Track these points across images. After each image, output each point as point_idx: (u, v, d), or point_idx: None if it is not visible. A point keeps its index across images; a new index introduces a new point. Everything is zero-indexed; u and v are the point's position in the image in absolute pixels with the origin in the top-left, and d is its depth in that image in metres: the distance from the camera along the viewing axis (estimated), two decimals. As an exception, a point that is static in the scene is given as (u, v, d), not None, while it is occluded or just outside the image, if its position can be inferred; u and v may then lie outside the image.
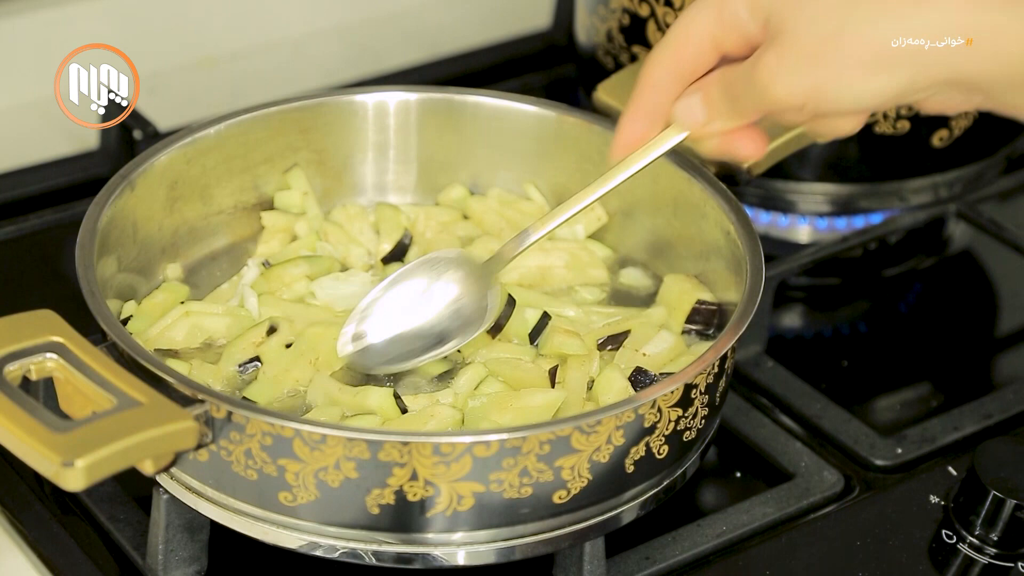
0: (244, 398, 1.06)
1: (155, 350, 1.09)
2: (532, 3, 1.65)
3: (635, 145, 1.03)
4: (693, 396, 1.01)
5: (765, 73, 0.94)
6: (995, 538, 1.08)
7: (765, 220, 1.37)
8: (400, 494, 0.95)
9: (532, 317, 1.12)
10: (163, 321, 1.11)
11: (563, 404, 1.05)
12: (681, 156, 1.16)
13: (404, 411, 1.05)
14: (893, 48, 0.92)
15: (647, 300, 1.17)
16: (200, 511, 1.01)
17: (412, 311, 1.10)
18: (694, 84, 1.00)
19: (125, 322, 1.11)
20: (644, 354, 1.09)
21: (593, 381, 1.07)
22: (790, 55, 0.93)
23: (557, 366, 1.08)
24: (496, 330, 1.11)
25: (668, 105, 1.01)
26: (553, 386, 1.07)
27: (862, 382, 1.28)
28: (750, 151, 1.02)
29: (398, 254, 1.20)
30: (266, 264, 1.17)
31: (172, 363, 1.07)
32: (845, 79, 0.93)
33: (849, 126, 1.00)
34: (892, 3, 0.92)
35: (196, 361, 1.09)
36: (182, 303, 1.13)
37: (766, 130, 1.02)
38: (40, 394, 0.99)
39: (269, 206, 1.22)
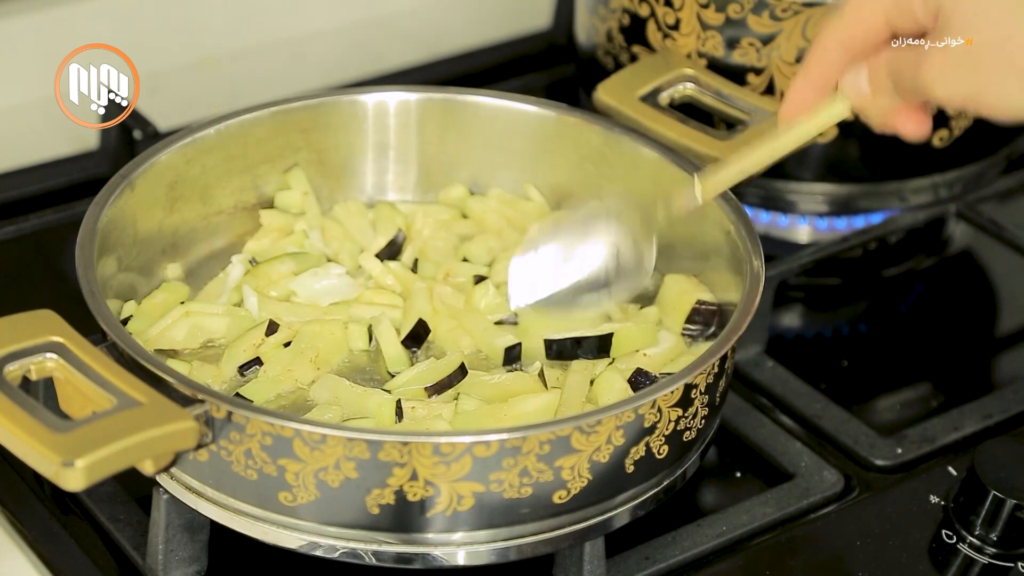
0: (238, 395, 1.06)
1: (155, 350, 1.09)
2: (532, 3, 1.65)
3: (802, 110, 1.05)
4: (693, 396, 1.01)
5: (929, 73, 0.95)
6: (995, 538, 1.08)
7: (765, 220, 1.37)
8: (400, 494, 0.95)
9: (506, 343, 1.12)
10: (163, 321, 1.11)
11: (562, 407, 1.05)
12: (681, 156, 1.16)
13: (400, 419, 1.05)
14: None
15: (648, 300, 1.17)
16: (200, 511, 1.01)
17: (570, 263, 1.13)
18: (864, 60, 1.02)
19: (125, 322, 1.11)
20: (645, 354, 1.09)
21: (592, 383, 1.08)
22: (954, 59, 0.94)
23: (542, 368, 1.08)
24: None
25: (836, 76, 1.03)
26: (546, 388, 1.07)
27: (862, 382, 1.28)
28: (912, 130, 1.03)
29: (392, 252, 1.20)
30: (253, 262, 1.17)
31: (172, 363, 1.07)
32: (1007, 88, 0.93)
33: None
34: None
35: (196, 361, 1.09)
36: (182, 303, 1.13)
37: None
38: (40, 394, 0.99)
39: (269, 206, 1.22)
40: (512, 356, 1.11)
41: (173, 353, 1.10)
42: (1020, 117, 0.96)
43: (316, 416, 1.05)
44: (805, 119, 1.05)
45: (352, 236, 1.21)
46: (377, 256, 1.20)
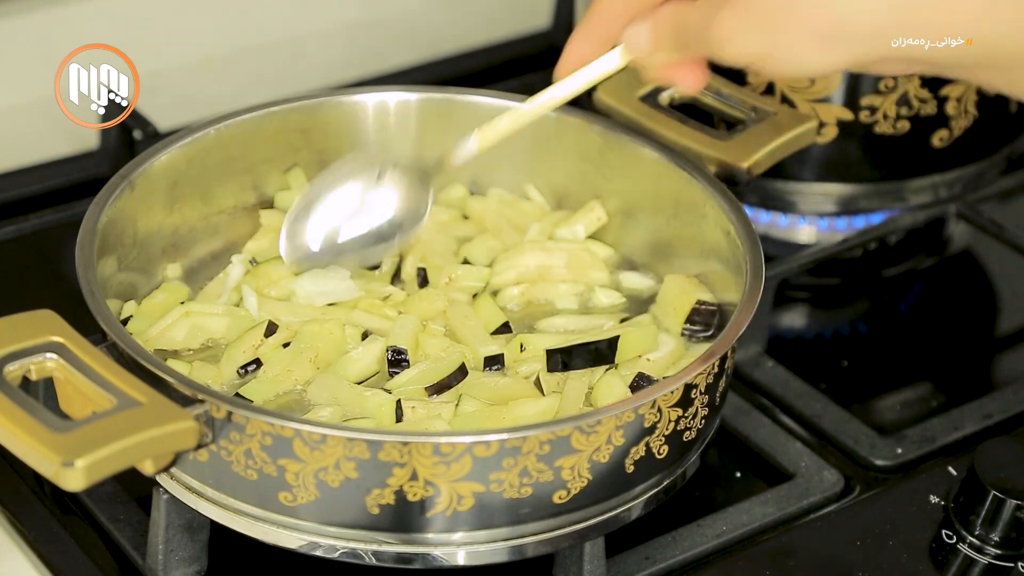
0: (238, 395, 1.06)
1: (155, 350, 1.09)
2: (532, 3, 1.65)
3: (579, 65, 1.06)
4: (693, 396, 1.01)
5: (719, 32, 0.95)
6: (995, 538, 1.08)
7: (765, 220, 1.37)
8: (400, 494, 0.95)
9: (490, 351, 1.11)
10: (163, 321, 1.11)
11: (562, 412, 1.05)
12: (681, 156, 1.16)
13: (400, 420, 1.05)
14: (848, 23, 0.92)
15: (648, 302, 1.17)
16: (200, 511, 1.01)
17: (351, 215, 1.14)
18: (646, 14, 1.02)
19: (125, 322, 1.11)
20: (648, 359, 1.09)
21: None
22: (746, 18, 0.94)
23: (538, 376, 1.08)
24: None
25: (617, 31, 1.03)
26: (543, 394, 1.07)
27: (862, 382, 1.28)
28: (689, 83, 1.04)
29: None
30: (253, 262, 1.17)
31: (172, 363, 1.07)
32: (796, 49, 0.94)
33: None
34: None
35: (197, 362, 1.09)
36: (182, 303, 1.13)
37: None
38: (40, 394, 0.99)
39: (269, 206, 1.22)
40: (493, 364, 1.10)
41: (174, 353, 1.10)
42: (809, 75, 0.99)
43: (316, 416, 1.05)
44: (580, 74, 1.06)
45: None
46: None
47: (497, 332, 1.13)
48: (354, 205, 1.14)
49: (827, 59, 0.94)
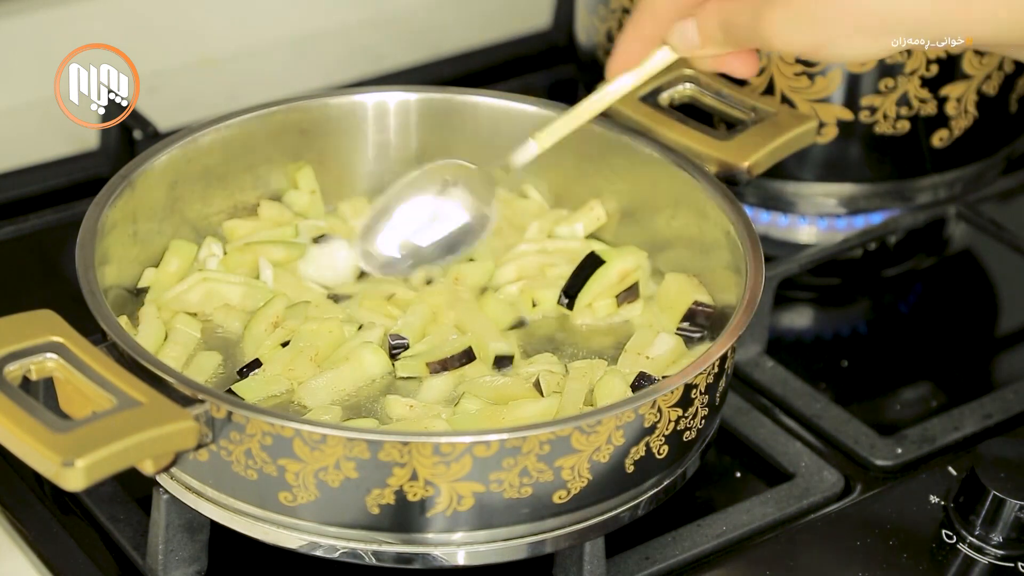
0: (229, 391, 1.06)
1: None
2: (532, 3, 1.65)
3: (630, 66, 1.08)
4: (693, 396, 1.01)
5: (768, 28, 0.97)
6: (995, 538, 1.08)
7: (765, 220, 1.37)
8: (400, 494, 0.95)
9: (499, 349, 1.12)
10: (179, 286, 1.12)
11: (562, 413, 1.05)
12: (681, 156, 1.16)
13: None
14: (893, 16, 0.95)
15: (649, 301, 1.17)
16: (200, 511, 1.01)
17: (418, 227, 1.15)
18: (691, 10, 1.04)
19: (143, 291, 1.13)
20: (648, 357, 1.09)
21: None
22: (793, 14, 0.96)
23: (538, 378, 1.08)
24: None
25: (665, 28, 1.05)
26: (543, 395, 1.07)
27: (862, 382, 1.28)
28: (743, 71, 1.06)
29: None
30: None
31: (189, 319, 1.10)
32: (844, 41, 0.96)
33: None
34: None
35: (195, 363, 1.09)
36: (200, 271, 1.14)
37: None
38: (40, 394, 0.99)
39: (269, 206, 1.23)
40: (502, 365, 1.11)
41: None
42: (855, 62, 1.01)
43: (315, 416, 1.05)
44: (633, 71, 1.08)
45: (355, 235, 1.21)
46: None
47: (512, 328, 1.14)
48: (425, 214, 1.15)
49: (877, 47, 0.97)
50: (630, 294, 1.15)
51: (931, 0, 0.94)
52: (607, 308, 1.15)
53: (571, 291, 1.15)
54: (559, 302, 1.15)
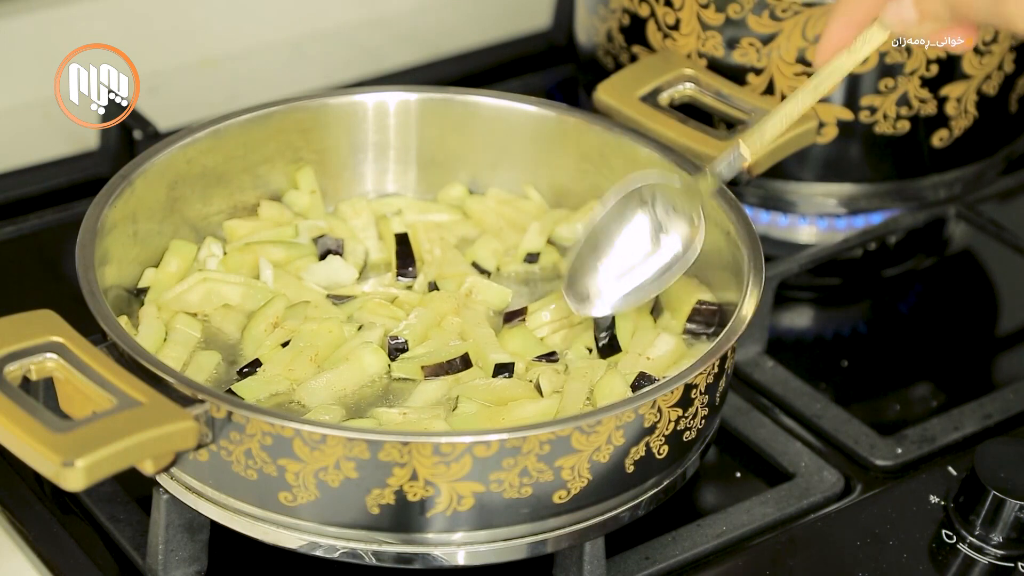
0: (229, 391, 1.06)
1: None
2: (532, 3, 1.65)
3: (840, 48, 1.05)
4: (693, 396, 1.01)
5: (1015, 9, 0.96)
6: (995, 538, 1.08)
7: (765, 220, 1.37)
8: (400, 494, 0.95)
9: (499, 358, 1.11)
10: (179, 287, 1.12)
11: (561, 414, 1.05)
12: (681, 156, 1.16)
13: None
14: None
15: (649, 301, 1.17)
16: (200, 511, 1.01)
17: (636, 251, 1.12)
18: None
19: (144, 291, 1.13)
20: (648, 358, 1.09)
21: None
22: None
23: (539, 377, 1.08)
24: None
25: (874, 9, 1.03)
26: (543, 395, 1.07)
27: (862, 382, 1.28)
28: (961, 45, 1.04)
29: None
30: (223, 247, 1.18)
31: (186, 318, 1.09)
32: None
33: None
34: None
35: (195, 363, 1.09)
36: (200, 271, 1.14)
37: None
38: (40, 394, 0.99)
39: (269, 206, 1.23)
40: (502, 372, 1.10)
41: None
42: None
43: (316, 416, 1.05)
44: (844, 55, 1.05)
45: (356, 235, 1.21)
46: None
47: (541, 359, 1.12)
48: (635, 241, 1.12)
49: None
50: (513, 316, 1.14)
51: None
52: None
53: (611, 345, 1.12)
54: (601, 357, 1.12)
